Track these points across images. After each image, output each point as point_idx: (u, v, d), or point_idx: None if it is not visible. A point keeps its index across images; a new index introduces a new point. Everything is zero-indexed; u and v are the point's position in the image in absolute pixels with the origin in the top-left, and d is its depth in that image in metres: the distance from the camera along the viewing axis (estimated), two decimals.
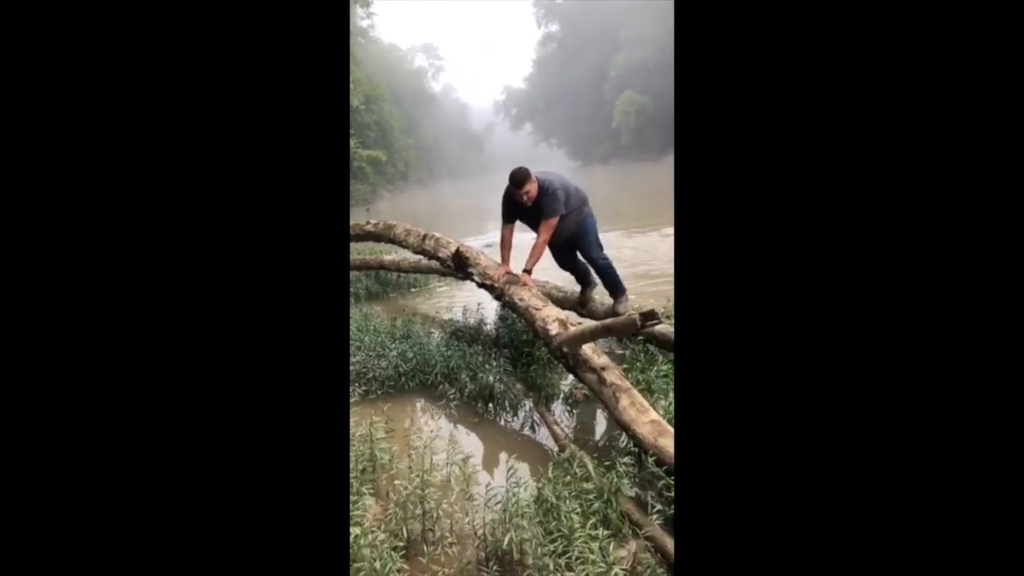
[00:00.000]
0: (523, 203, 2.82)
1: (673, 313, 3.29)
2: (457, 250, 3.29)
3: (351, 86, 14.26)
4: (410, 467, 1.94)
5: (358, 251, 5.64)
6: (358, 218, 5.17)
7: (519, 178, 2.79)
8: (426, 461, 2.00)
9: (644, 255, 6.21)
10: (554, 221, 2.79)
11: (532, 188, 2.79)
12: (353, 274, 5.19)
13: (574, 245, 3.04)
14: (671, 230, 7.44)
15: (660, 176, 16.41)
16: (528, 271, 2.92)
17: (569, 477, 1.82)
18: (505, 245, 3.04)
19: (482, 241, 3.29)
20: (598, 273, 3.10)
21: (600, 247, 3.04)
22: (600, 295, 3.26)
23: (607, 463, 1.84)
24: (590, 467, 1.83)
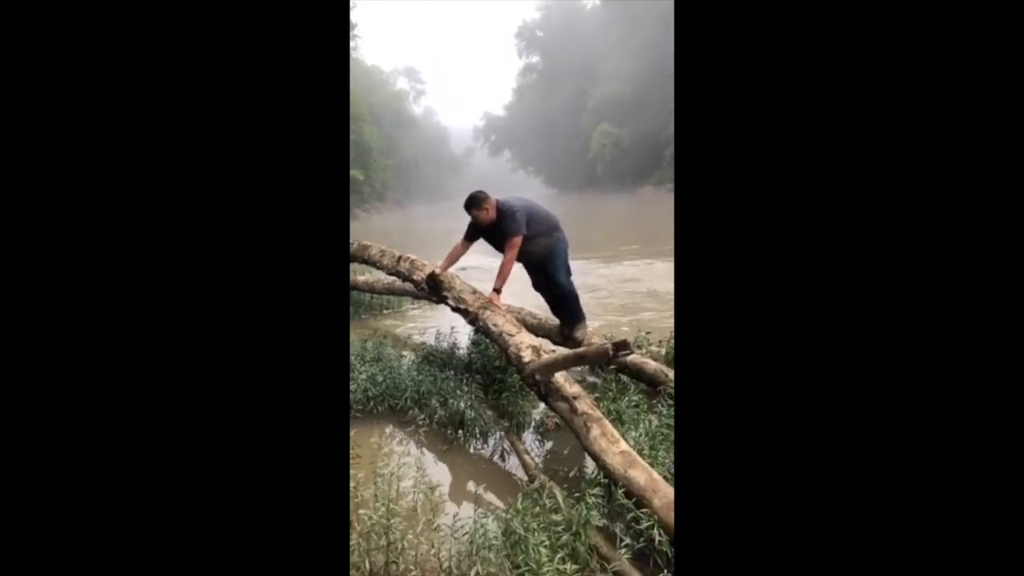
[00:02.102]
0: (479, 223, 2.98)
1: (645, 343, 3.32)
2: (432, 273, 3.27)
3: None
4: (375, 495, 1.88)
5: None
6: None
7: (469, 201, 3.00)
8: (392, 489, 1.95)
9: (617, 284, 6.29)
10: (517, 240, 2.90)
11: (483, 212, 2.96)
12: None
13: (543, 267, 3.10)
14: (641, 261, 7.58)
15: (634, 207, 16.79)
16: (497, 291, 2.95)
17: (538, 508, 1.79)
18: (450, 256, 3.18)
19: (457, 265, 3.28)
20: (560, 297, 3.15)
21: (568, 272, 3.12)
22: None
23: (576, 494, 1.82)
24: (559, 498, 1.81)
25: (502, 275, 2.92)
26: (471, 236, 3.11)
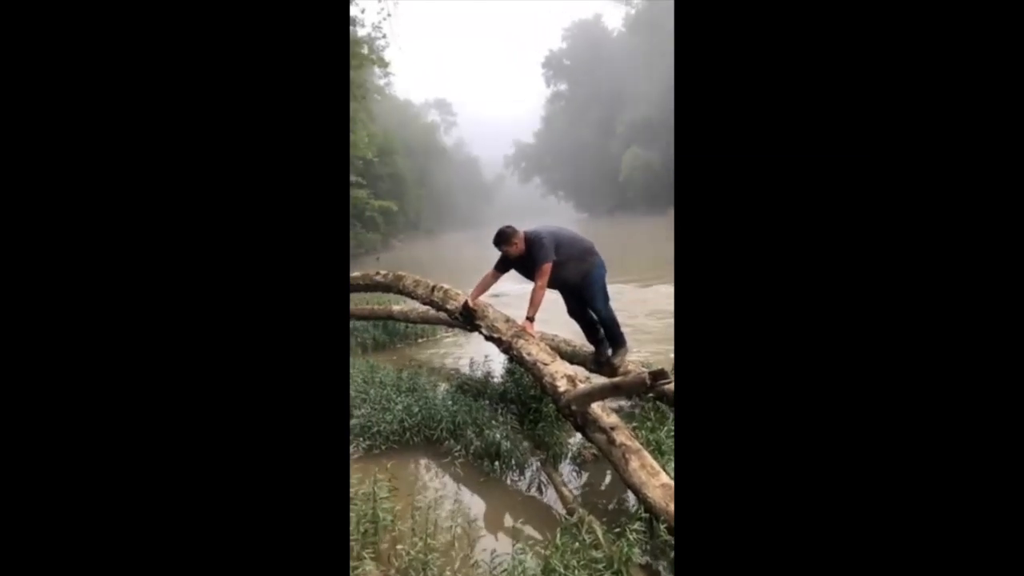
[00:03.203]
0: (510, 256, 3.00)
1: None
2: (465, 303, 3.30)
3: (367, 140, 14.81)
4: (413, 529, 1.88)
5: (367, 300, 5.68)
6: (368, 267, 5.23)
7: (498, 238, 3.02)
8: (430, 522, 1.94)
9: (652, 308, 6.19)
10: (547, 267, 2.89)
11: (512, 248, 2.98)
12: (360, 324, 5.20)
13: (579, 293, 3.07)
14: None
15: (666, 229, 16.63)
16: (530, 319, 2.93)
17: (578, 544, 1.75)
18: (481, 285, 3.19)
19: (489, 292, 3.29)
20: (599, 323, 3.11)
21: (606, 298, 3.08)
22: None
23: (616, 529, 1.77)
24: (599, 534, 1.76)
25: (534, 303, 2.91)
26: (502, 267, 3.12)
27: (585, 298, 3.07)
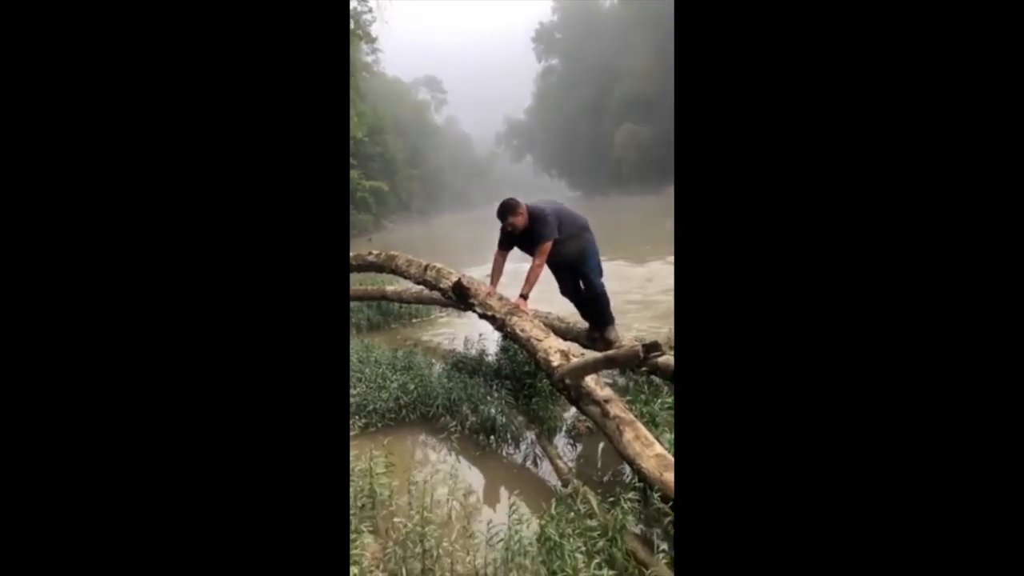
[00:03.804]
0: (513, 232, 2.94)
1: (673, 344, 3.27)
2: (458, 281, 3.29)
3: (355, 119, 14.55)
4: (410, 503, 1.90)
5: (360, 281, 5.66)
6: (360, 248, 5.20)
7: (502, 210, 2.96)
8: (427, 497, 1.96)
9: (649, 284, 6.21)
10: (548, 245, 2.87)
11: (519, 219, 2.92)
12: (355, 304, 5.19)
13: (576, 269, 3.06)
14: (671, 259, 7.47)
15: (661, 206, 16.61)
16: (524, 296, 2.93)
17: (573, 514, 1.78)
18: (495, 270, 3.14)
19: (483, 271, 3.28)
20: (592, 298, 3.11)
21: (600, 273, 3.08)
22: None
23: (611, 499, 1.80)
24: (594, 503, 1.79)
25: (531, 280, 2.90)
26: (505, 244, 3.08)
27: (582, 273, 3.06)
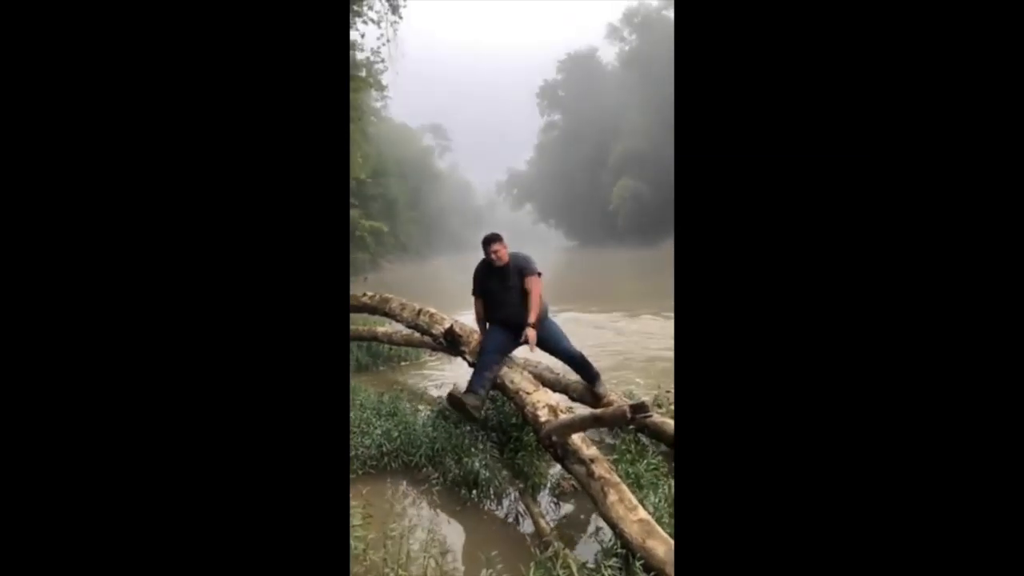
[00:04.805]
0: (493, 262, 2.97)
1: (665, 401, 3.24)
2: (450, 328, 3.29)
3: (360, 160, 14.92)
4: (385, 559, 1.83)
5: (352, 321, 5.64)
6: (355, 288, 5.22)
7: (489, 237, 3.03)
8: (402, 552, 1.89)
9: (646, 338, 6.21)
10: (537, 278, 2.94)
11: (502, 249, 2.98)
12: None
13: (549, 351, 3.06)
14: (669, 314, 7.51)
15: (656, 260, 16.81)
16: (533, 325, 2.86)
17: None
18: (479, 318, 3.16)
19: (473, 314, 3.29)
20: (571, 364, 3.10)
21: (565, 337, 3.07)
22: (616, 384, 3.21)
23: (591, 566, 1.74)
24: (574, 569, 1.73)
25: (534, 310, 2.87)
26: (480, 289, 3.09)
27: (550, 344, 3.03)
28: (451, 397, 2.83)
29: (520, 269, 2.95)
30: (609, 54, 41.46)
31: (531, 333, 2.86)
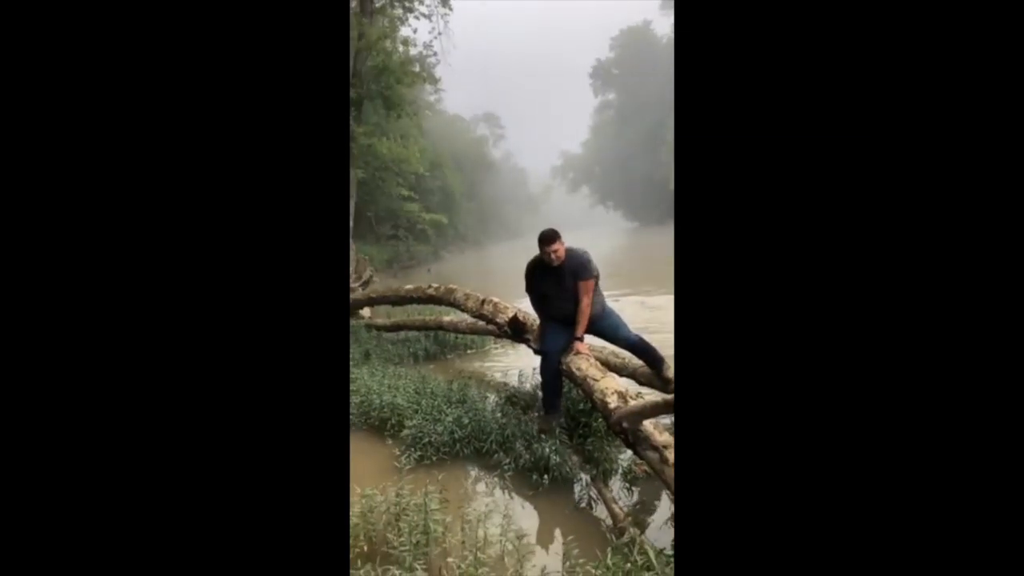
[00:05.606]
0: (550, 262, 2.89)
1: None
2: (514, 316, 3.33)
3: (418, 154, 15.25)
4: (463, 541, 1.90)
5: (419, 311, 5.81)
6: (420, 279, 5.37)
7: (547, 235, 2.89)
8: (479, 535, 1.95)
9: None
10: (591, 283, 2.86)
11: (560, 248, 2.87)
12: (412, 334, 5.32)
13: (609, 340, 3.03)
14: None
15: None
16: (580, 338, 2.89)
17: (629, 565, 1.71)
18: (537, 312, 3.14)
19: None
20: (634, 351, 3.06)
21: (624, 325, 3.02)
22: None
23: (669, 552, 1.73)
24: (651, 555, 1.72)
25: (582, 322, 2.87)
26: (533, 290, 3.05)
27: (607, 334, 3.00)
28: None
29: (575, 272, 2.87)
30: (664, 25, 39.86)
31: (580, 347, 2.87)
